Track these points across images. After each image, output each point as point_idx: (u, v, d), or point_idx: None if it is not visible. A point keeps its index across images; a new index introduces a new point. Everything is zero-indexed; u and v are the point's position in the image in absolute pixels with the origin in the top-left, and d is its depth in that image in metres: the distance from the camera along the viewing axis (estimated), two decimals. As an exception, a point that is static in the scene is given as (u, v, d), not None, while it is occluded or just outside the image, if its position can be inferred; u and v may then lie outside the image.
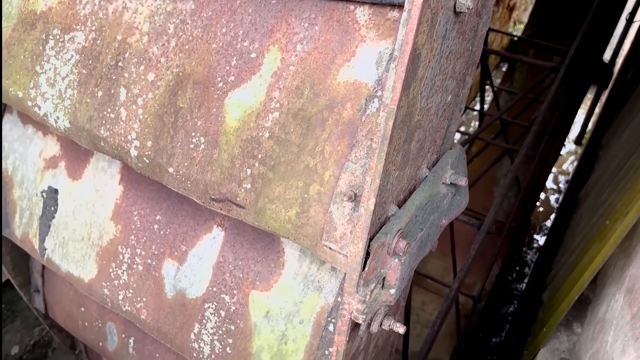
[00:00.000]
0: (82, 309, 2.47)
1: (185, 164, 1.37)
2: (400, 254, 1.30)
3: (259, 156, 1.29)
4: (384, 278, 1.36)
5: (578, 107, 8.35)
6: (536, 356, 2.83)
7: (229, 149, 1.32)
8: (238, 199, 1.33)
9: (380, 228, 1.28)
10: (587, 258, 2.53)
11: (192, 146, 1.37)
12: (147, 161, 1.43)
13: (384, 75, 1.18)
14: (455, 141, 1.70)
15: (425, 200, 1.42)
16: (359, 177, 1.20)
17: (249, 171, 1.31)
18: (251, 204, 1.32)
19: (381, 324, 1.42)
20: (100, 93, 1.47)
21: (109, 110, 1.46)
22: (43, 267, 2.55)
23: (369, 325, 1.42)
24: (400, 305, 1.98)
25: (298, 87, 1.26)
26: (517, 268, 8.76)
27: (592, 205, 3.55)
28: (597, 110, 8.87)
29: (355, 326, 1.44)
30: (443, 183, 1.53)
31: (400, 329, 1.41)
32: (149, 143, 1.41)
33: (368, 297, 1.28)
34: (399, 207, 1.35)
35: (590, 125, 8.69)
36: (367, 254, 1.24)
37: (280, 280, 1.69)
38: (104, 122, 1.47)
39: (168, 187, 1.45)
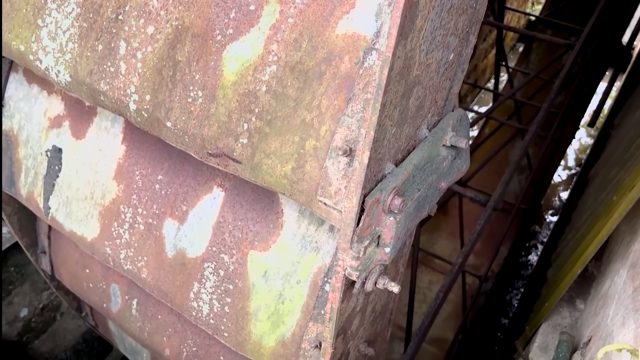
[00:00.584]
0: (87, 271, 2.51)
1: (183, 118, 1.37)
2: (396, 211, 1.29)
3: (256, 110, 1.29)
4: (379, 236, 1.36)
5: (594, 90, 8.21)
6: (537, 331, 2.83)
7: (226, 103, 1.32)
8: (235, 153, 1.33)
9: (376, 185, 1.27)
10: (592, 233, 2.51)
11: (190, 100, 1.36)
12: (146, 115, 1.43)
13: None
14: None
15: (423, 161, 1.41)
16: (354, 131, 1.19)
17: (245, 126, 1.30)
18: (248, 159, 1.32)
19: (376, 282, 1.43)
20: (100, 47, 1.47)
21: (109, 64, 1.46)
22: (49, 228, 2.59)
23: (363, 283, 1.42)
24: (400, 272, 1.98)
25: (296, 40, 1.24)
26: (528, 250, 8.72)
27: (601, 182, 3.51)
28: (614, 93, 8.71)
29: (350, 285, 1.44)
30: (443, 145, 1.51)
31: (395, 288, 1.41)
32: (148, 97, 1.41)
33: (362, 253, 1.27)
34: (397, 166, 1.34)
35: (606, 108, 8.55)
36: (362, 210, 1.24)
37: (279, 240, 1.70)
38: (103, 75, 1.47)
39: (166, 142, 1.45)
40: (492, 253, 6.18)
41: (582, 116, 8.31)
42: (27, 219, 2.55)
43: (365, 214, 1.24)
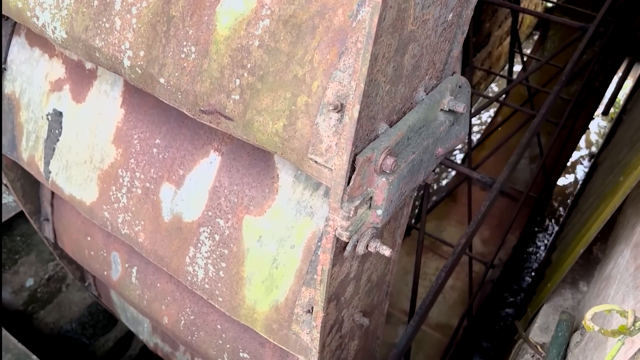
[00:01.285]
0: (89, 238, 2.53)
1: (176, 74, 1.36)
2: (388, 171, 1.27)
3: (248, 66, 1.27)
4: (371, 198, 1.34)
5: (610, 79, 8.06)
6: (539, 312, 2.80)
7: (218, 59, 1.30)
8: (227, 110, 1.32)
9: (369, 145, 1.25)
10: (597, 214, 2.47)
11: (183, 56, 1.35)
12: (140, 72, 1.42)
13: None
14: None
15: (419, 123, 1.38)
16: (346, 86, 1.17)
17: (237, 81, 1.29)
18: (239, 115, 1.30)
19: (367, 246, 1.41)
20: (96, 2, 1.46)
21: (104, 19, 1.45)
22: (52, 195, 2.60)
23: (355, 246, 1.41)
24: (397, 243, 1.96)
25: (290, -7, 1.22)
26: (538, 239, 8.63)
27: (609, 165, 3.45)
28: (630, 83, 8.55)
29: (342, 249, 1.43)
30: (441, 110, 1.48)
31: (386, 252, 1.39)
32: (142, 53, 1.40)
33: (352, 213, 1.26)
34: (391, 127, 1.32)
35: (621, 98, 8.40)
36: (353, 169, 1.22)
37: (274, 205, 1.69)
38: (99, 32, 1.46)
39: (162, 101, 1.44)
40: (500, 241, 6.13)
41: (597, 106, 8.18)
42: (31, 185, 2.57)
43: (356, 172, 1.22)
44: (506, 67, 9.68)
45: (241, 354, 2.17)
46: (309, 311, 1.63)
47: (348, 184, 1.23)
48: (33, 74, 2.07)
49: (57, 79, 2.02)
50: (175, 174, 1.83)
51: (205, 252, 1.81)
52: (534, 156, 8.10)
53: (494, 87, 11.00)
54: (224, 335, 2.20)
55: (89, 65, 1.95)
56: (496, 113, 9.07)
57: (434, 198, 8.10)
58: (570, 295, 2.80)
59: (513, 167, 3.53)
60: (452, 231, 7.81)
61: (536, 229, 8.81)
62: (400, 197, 1.43)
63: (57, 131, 2.05)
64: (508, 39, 9.51)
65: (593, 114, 8.15)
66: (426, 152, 1.45)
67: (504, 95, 8.90)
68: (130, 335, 4.72)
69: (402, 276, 7.23)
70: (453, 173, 9.18)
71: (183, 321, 2.31)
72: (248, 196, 1.72)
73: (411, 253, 6.07)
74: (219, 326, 2.22)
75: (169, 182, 1.84)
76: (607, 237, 3.07)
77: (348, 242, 1.40)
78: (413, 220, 7.27)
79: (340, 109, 1.17)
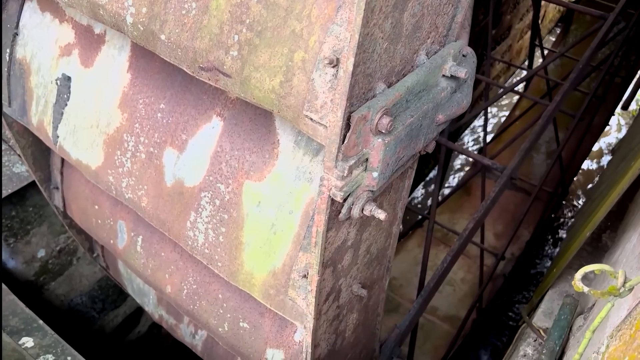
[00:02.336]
0: (96, 207, 2.56)
1: (177, 30, 1.37)
2: (383, 131, 1.27)
3: (247, 21, 1.27)
4: (367, 160, 1.34)
5: (633, 76, 7.90)
6: (544, 297, 2.77)
7: (218, 15, 1.30)
8: (225, 67, 1.32)
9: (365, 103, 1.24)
10: (605, 199, 2.43)
11: (184, 12, 1.36)
12: (142, 28, 1.43)
13: None
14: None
15: (418, 86, 1.37)
16: (343, 40, 1.17)
17: (236, 37, 1.29)
18: (237, 72, 1.31)
19: (362, 209, 1.41)
20: (101, -40, 1.47)
21: (109, -23, 1.46)
22: (62, 164, 2.64)
23: (349, 209, 1.40)
24: (398, 216, 1.95)
25: (290, -52, 1.21)
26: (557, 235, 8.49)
27: (622, 153, 3.38)
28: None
29: (337, 213, 1.42)
30: (443, 75, 1.47)
31: (381, 215, 1.39)
32: (144, 9, 1.41)
33: (346, 172, 1.25)
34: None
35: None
36: (349, 128, 1.22)
37: (274, 170, 1.69)
38: (103, -11, 1.48)
39: (162, 57, 1.45)
40: (512, 233, 6.05)
41: (618, 102, 8.03)
42: (41, 153, 2.61)
43: (351, 130, 1.21)
44: (526, 63, 9.55)
45: (241, 324, 2.19)
46: (304, 276, 1.63)
47: (343, 142, 1.23)
48: (43, 38, 2.09)
49: (67, 44, 2.04)
50: (178, 139, 1.84)
51: (206, 216, 1.83)
52: (552, 152, 7.98)
53: (514, 82, 10.86)
54: (224, 305, 2.22)
55: (97, 30, 1.97)
56: (514, 107, 8.95)
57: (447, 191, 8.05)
58: (577, 282, 2.76)
59: (525, 154, 3.49)
60: (465, 224, 7.75)
61: (555, 225, 8.65)
62: (398, 161, 1.43)
63: (65, 96, 2.07)
64: (529, 33, 9.36)
65: (614, 111, 8.00)
66: (426, 118, 1.44)
67: (521, 87, 8.77)
68: (139, 312, 4.78)
69: (412, 267, 7.21)
70: (467, 168, 9.10)
71: (185, 290, 2.33)
72: (249, 161, 1.72)
73: (423, 244, 6.05)
74: (220, 296, 2.24)
75: (172, 146, 1.86)
76: (617, 225, 3.02)
77: (343, 206, 1.40)
78: (426, 212, 7.23)
79: (335, 63, 1.16)
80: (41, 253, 3.67)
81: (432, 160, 8.81)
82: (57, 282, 3.89)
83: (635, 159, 2.49)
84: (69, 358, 2.43)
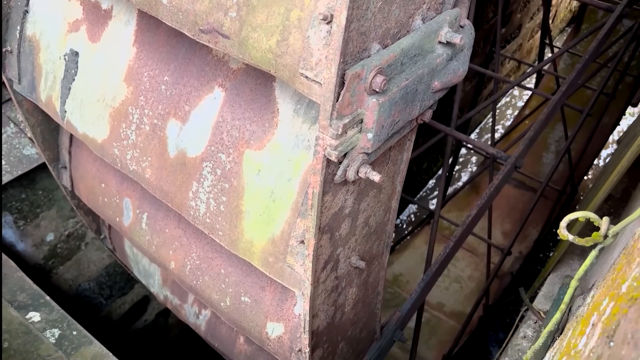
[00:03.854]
0: (103, 185, 2.61)
1: (178, -6, 1.41)
2: (377, 90, 1.29)
3: (246, -17, 1.31)
4: (362, 121, 1.36)
5: (644, 74, 7.83)
6: (545, 281, 2.78)
7: (218, -23, 1.34)
8: (224, 28, 1.36)
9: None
10: (605, 182, 2.43)
11: (185, -24, 1.40)
12: (145, -7, 1.47)
13: None
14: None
15: (413, 49, 1.40)
16: (337, -3, 1.19)
17: (235, -1, 1.33)
18: (235, 33, 1.34)
19: (358, 171, 1.43)
20: None
21: (114, -56, 1.51)
22: (70, 143, 2.70)
23: (345, 171, 1.43)
24: (397, 190, 1.97)
25: None
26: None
27: (625, 139, 3.37)
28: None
29: (332, 176, 1.45)
30: (439, 42, 1.49)
31: (376, 177, 1.41)
32: (147, -25, 1.45)
33: (340, 130, 1.28)
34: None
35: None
36: (343, 86, 1.24)
37: (273, 139, 1.72)
38: (108, -44, 1.52)
39: (163, 21, 1.49)
40: (521, 233, 6.03)
41: (630, 100, 7.97)
42: (50, 132, 2.66)
43: (345, 88, 1.24)
44: (537, 63, 9.51)
45: (242, 298, 2.22)
46: (302, 242, 1.66)
47: (337, 100, 1.25)
48: (53, 15, 2.15)
49: (75, 20, 2.10)
50: (181, 110, 1.88)
51: (207, 186, 1.86)
52: (561, 151, 7.95)
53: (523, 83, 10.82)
54: (227, 280, 2.25)
55: (104, 6, 2.02)
56: (524, 106, 8.92)
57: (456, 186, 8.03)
58: (578, 266, 2.76)
59: (529, 143, 3.49)
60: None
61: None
62: (393, 125, 1.45)
63: (73, 71, 2.12)
64: (540, 33, 9.35)
65: (625, 111, 7.94)
66: (421, 83, 1.47)
67: (530, 82, 8.73)
68: (146, 301, 4.84)
69: (419, 263, 7.21)
70: (475, 168, 9.08)
71: (189, 266, 2.37)
72: (249, 130, 1.76)
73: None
74: (222, 271, 2.27)
75: (175, 118, 1.90)
76: (621, 212, 3.02)
77: (339, 168, 1.43)
78: (433, 207, 7.22)
79: (330, 19, 1.19)
80: (50, 237, 3.73)
81: (442, 158, 8.81)
82: (65, 266, 3.95)
83: (636, 141, 2.49)
84: (74, 332, 2.47)
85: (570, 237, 1.01)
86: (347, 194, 1.62)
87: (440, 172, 8.87)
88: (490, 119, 8.15)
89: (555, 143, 8.39)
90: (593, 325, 0.88)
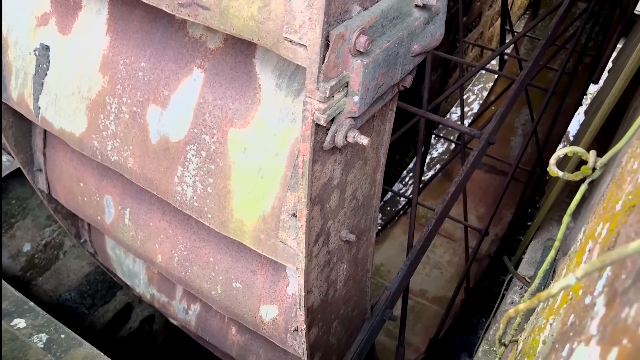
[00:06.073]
0: (81, 184, 2.56)
1: (155, -31, 1.40)
2: (361, 50, 1.31)
3: (223, -48, 1.31)
4: (348, 84, 1.38)
5: (602, 53, 8.09)
6: (527, 249, 2.84)
7: (195, -51, 1.34)
8: (203, 0, 1.36)
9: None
10: (579, 140, 2.51)
11: (160, -50, 1.39)
12: (120, -28, 1.46)
13: None
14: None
15: (392, 11, 1.42)
16: (316, -41, 1.21)
17: (214, -31, 1.33)
18: (215, 4, 1.34)
19: (346, 136, 1.45)
20: None
21: None
22: (44, 145, 2.64)
23: (333, 137, 1.45)
24: (381, 162, 1.99)
25: None
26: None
27: (593, 111, 3.49)
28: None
29: (321, 144, 1.46)
30: (415, 5, 1.52)
31: (364, 141, 1.43)
32: (121, -47, 1.44)
33: (328, 92, 1.30)
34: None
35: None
36: (328, 48, 1.26)
37: (257, 115, 1.72)
38: (79, -63, 1.50)
39: (148, 26, 1.48)
40: (495, 216, 6.15)
41: (590, 80, 8.22)
42: (23, 134, 2.60)
43: (330, 49, 1.26)
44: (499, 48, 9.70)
45: (234, 284, 2.21)
46: (294, 214, 1.67)
47: (323, 62, 1.27)
48: (19, 10, 2.10)
49: (43, 13, 2.06)
50: (160, 95, 1.87)
51: (193, 169, 1.85)
52: (528, 134, 8.15)
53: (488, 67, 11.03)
54: (216, 267, 2.24)
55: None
56: (489, 93, 9.11)
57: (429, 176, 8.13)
58: (557, 231, 2.83)
59: (500, 119, 3.57)
60: (449, 209, 7.85)
61: (538, 206, 8.79)
62: (377, 88, 1.47)
63: (45, 65, 2.08)
64: (500, 20, 9.57)
65: (586, 90, 8.19)
66: (401, 46, 1.49)
67: (492, 66, 8.91)
68: (129, 308, 4.75)
69: (399, 253, 7.29)
70: (446, 156, 9.22)
71: (176, 257, 2.35)
72: (232, 109, 1.76)
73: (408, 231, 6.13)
74: (211, 259, 2.26)
75: (155, 103, 1.88)
76: (597, 183, 3.11)
77: (327, 134, 1.44)
78: (409, 194, 7.30)
79: (311, -20, 1.20)
80: (27, 247, 3.64)
81: (413, 149, 8.92)
82: (44, 277, 3.85)
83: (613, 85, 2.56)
84: (62, 335, 2.42)
85: (560, 173, 1.04)
86: (335, 164, 1.63)
87: (413, 162, 8.98)
88: (458, 108, 8.29)
89: (522, 127, 8.59)
90: (589, 251, 0.91)
